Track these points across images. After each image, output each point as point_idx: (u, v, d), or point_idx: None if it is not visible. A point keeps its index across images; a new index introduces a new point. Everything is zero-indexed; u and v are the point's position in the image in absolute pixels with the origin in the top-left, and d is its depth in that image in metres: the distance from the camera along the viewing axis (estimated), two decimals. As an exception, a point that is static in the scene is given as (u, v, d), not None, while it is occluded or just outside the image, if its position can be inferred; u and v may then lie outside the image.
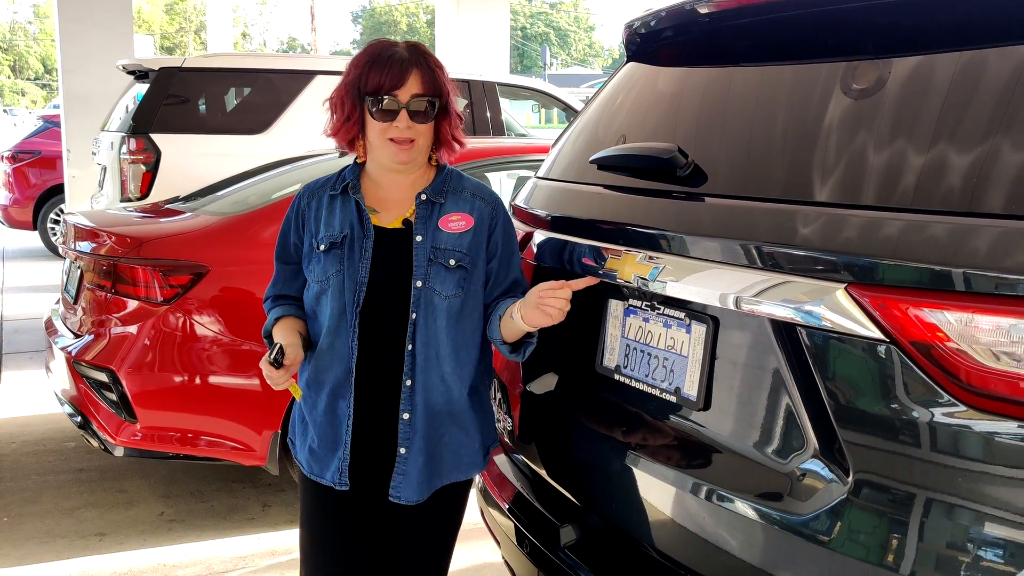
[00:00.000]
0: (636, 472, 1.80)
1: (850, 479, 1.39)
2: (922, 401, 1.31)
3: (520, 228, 2.26)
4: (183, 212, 4.11)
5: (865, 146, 1.49)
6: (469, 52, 11.26)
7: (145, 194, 6.21)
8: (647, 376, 1.83)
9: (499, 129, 6.99)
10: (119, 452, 3.51)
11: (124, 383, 3.42)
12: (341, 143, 1.99)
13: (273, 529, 3.64)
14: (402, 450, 1.94)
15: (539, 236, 2.22)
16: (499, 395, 2.41)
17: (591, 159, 2.10)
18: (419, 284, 1.91)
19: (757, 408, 1.57)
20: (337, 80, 1.98)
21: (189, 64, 6.59)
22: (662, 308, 1.80)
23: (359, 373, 1.93)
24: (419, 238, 1.93)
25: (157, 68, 6.48)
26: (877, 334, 1.35)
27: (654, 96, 2.15)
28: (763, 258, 1.54)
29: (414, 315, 1.91)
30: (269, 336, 2.04)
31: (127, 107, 6.85)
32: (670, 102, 2.09)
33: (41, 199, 10.29)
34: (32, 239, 10.77)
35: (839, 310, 1.40)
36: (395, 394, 1.93)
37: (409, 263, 1.92)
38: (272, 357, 1.85)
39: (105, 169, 6.90)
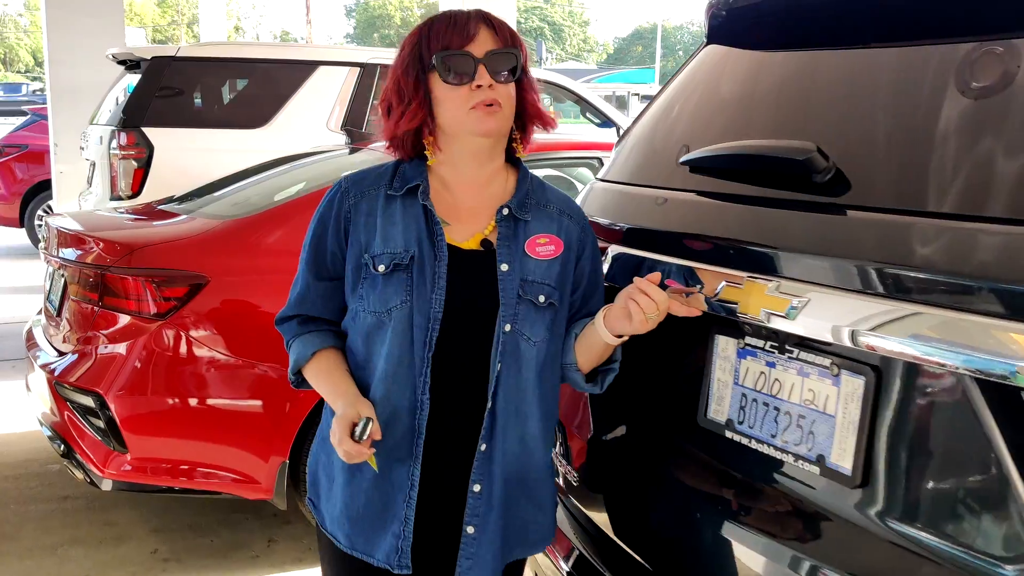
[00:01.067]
0: (758, 559, 1.42)
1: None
2: None
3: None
4: (178, 215, 3.72)
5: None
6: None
7: (136, 192, 5.85)
8: (774, 437, 1.44)
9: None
10: (107, 486, 3.11)
11: (112, 408, 3.03)
12: (404, 135, 1.56)
13: (279, 569, 3.25)
14: (470, 529, 1.55)
15: (614, 251, 1.83)
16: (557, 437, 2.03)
17: (682, 160, 1.72)
18: (507, 328, 1.52)
19: (947, 492, 1.19)
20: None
21: (184, 53, 6.20)
22: (795, 351, 1.41)
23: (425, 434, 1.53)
24: (505, 267, 1.53)
25: (149, 57, 6.08)
26: None
27: (744, 86, 1.77)
28: (958, 294, 1.16)
29: (499, 365, 1.51)
30: (298, 373, 1.64)
31: (117, 99, 6.46)
32: (769, 92, 1.71)
33: (28, 195, 9.86)
34: (19, 236, 10.34)
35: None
36: (462, 460, 1.55)
37: (490, 297, 1.52)
38: (361, 435, 1.44)
39: (94, 165, 6.53)
